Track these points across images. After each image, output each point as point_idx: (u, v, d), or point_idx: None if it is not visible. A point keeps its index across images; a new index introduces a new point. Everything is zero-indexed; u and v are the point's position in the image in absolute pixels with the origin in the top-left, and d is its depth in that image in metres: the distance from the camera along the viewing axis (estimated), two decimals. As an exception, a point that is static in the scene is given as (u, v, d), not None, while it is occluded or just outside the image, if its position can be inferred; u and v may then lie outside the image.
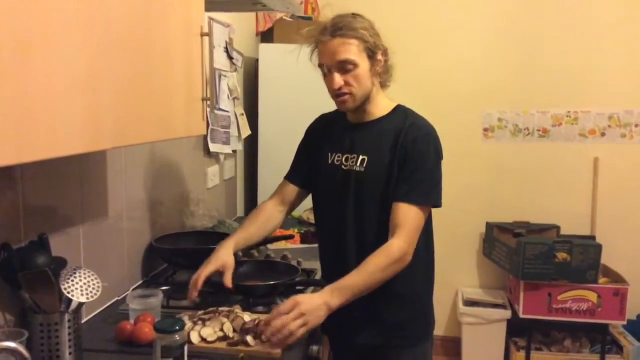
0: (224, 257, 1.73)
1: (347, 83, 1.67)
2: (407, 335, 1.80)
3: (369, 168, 1.72)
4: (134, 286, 2.01)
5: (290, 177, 1.95)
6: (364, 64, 1.66)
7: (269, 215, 1.90)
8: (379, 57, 1.70)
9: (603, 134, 3.60)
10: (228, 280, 1.70)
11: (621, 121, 3.57)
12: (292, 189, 1.93)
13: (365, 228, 1.75)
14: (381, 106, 1.77)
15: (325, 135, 1.87)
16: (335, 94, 1.70)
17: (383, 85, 1.78)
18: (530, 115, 3.66)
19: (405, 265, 1.62)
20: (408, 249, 1.62)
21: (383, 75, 1.75)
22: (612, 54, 3.53)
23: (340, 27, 1.64)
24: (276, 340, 1.47)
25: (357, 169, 1.74)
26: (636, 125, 3.56)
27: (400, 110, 1.79)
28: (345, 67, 1.65)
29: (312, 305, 1.50)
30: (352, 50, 1.64)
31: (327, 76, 1.70)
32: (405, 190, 1.66)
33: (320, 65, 1.71)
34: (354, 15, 1.70)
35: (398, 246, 1.61)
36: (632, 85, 3.54)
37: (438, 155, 1.72)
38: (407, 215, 1.64)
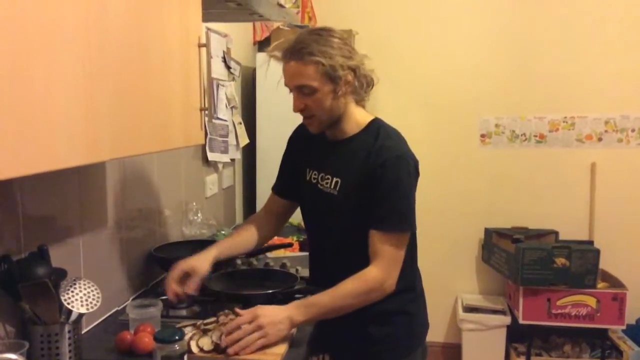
0: (195, 262, 1.70)
1: (307, 106, 1.62)
2: (393, 348, 1.73)
3: (342, 192, 1.67)
4: (134, 296, 2.01)
5: (275, 188, 1.94)
6: (324, 87, 1.58)
7: (259, 225, 1.89)
8: (348, 78, 1.59)
9: (600, 139, 3.61)
10: (190, 287, 1.67)
11: (618, 126, 3.59)
12: (277, 201, 1.92)
13: (343, 247, 1.71)
14: (355, 123, 1.69)
15: (304, 147, 1.83)
16: (302, 115, 1.67)
17: (359, 102, 1.69)
18: (527, 121, 3.68)
19: (384, 294, 1.59)
20: (385, 279, 1.58)
21: (356, 93, 1.65)
22: (608, 59, 3.55)
23: (298, 49, 1.56)
24: (232, 351, 1.47)
25: (331, 191, 1.69)
26: (632, 130, 3.57)
27: (373, 128, 1.69)
28: (303, 91, 1.60)
29: (273, 318, 1.50)
30: (308, 76, 1.56)
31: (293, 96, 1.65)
32: (379, 218, 1.59)
33: (285, 85, 1.66)
34: (320, 32, 1.60)
35: (374, 275, 1.58)
36: (628, 90, 3.55)
37: (411, 177, 1.62)
38: (384, 244, 1.59)
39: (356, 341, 1.73)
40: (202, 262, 1.71)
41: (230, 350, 1.47)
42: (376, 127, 1.69)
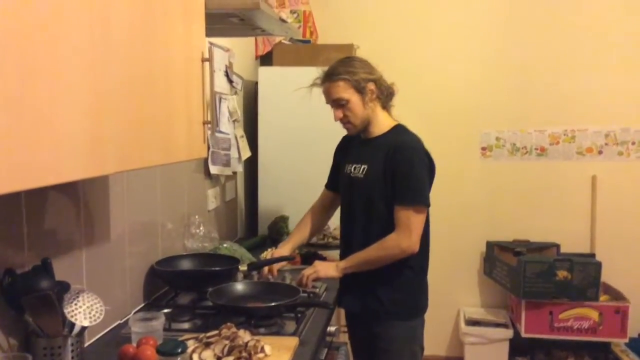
0: (281, 251, 2.27)
1: (345, 115, 2.09)
2: (399, 312, 2.13)
3: (367, 175, 2.13)
4: (136, 309, 2.01)
5: (327, 185, 2.42)
6: (354, 98, 2.07)
7: (315, 218, 2.39)
8: (370, 88, 2.07)
9: (600, 152, 3.62)
10: (274, 271, 2.23)
11: (618, 139, 3.60)
12: (327, 195, 2.40)
13: (367, 229, 2.13)
14: (382, 126, 2.16)
15: (345, 150, 2.32)
16: (341, 123, 2.13)
17: (384, 107, 2.16)
18: (528, 134, 3.69)
19: (404, 253, 2.03)
20: (402, 240, 2.02)
21: (380, 100, 2.13)
22: (609, 72, 3.57)
23: (329, 73, 2.08)
24: (296, 282, 2.14)
25: (359, 175, 2.15)
26: (633, 143, 3.58)
27: (397, 129, 2.17)
28: (339, 103, 2.08)
29: (324, 264, 2.17)
30: (339, 91, 2.06)
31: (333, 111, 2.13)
32: (398, 195, 2.05)
33: (327, 103, 2.14)
34: (344, 60, 2.12)
35: (393, 238, 2.04)
36: (628, 103, 3.57)
37: (422, 162, 2.08)
38: (401, 214, 2.04)
39: (369, 301, 2.15)
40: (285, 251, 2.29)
41: (295, 282, 2.14)
42: (398, 129, 2.17)
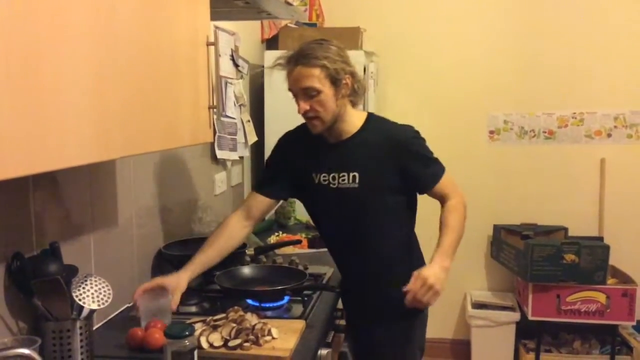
0: (174, 278, 1.76)
1: (312, 107, 1.79)
2: (397, 311, 1.90)
3: (363, 183, 1.87)
4: (144, 293, 2.03)
5: (260, 189, 2.01)
6: (327, 89, 1.77)
7: (232, 234, 1.95)
8: (345, 81, 1.80)
9: (609, 135, 3.60)
10: (175, 302, 1.71)
11: (627, 122, 3.57)
12: (261, 201, 1.99)
13: (364, 236, 1.93)
14: (353, 122, 1.90)
15: (301, 155, 1.97)
16: (305, 117, 1.83)
17: (354, 105, 1.90)
18: (536, 117, 3.66)
19: (466, 206, 1.93)
20: (462, 198, 1.93)
21: (352, 96, 1.86)
22: (617, 54, 3.53)
23: (304, 55, 1.76)
24: (410, 305, 1.74)
25: (350, 185, 1.88)
26: (642, 126, 3.55)
27: (374, 121, 1.94)
28: (309, 93, 1.77)
29: (435, 274, 1.73)
30: (313, 79, 1.76)
31: (296, 100, 1.83)
32: (429, 179, 1.90)
33: (289, 90, 1.83)
34: (321, 42, 1.80)
35: (458, 201, 1.91)
36: (637, 85, 3.53)
37: (424, 140, 1.93)
38: (444, 188, 1.91)
39: (377, 301, 1.99)
40: (179, 280, 1.76)
41: (410, 304, 1.74)
42: (375, 120, 1.95)
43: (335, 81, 1.77)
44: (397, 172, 1.87)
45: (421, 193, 1.96)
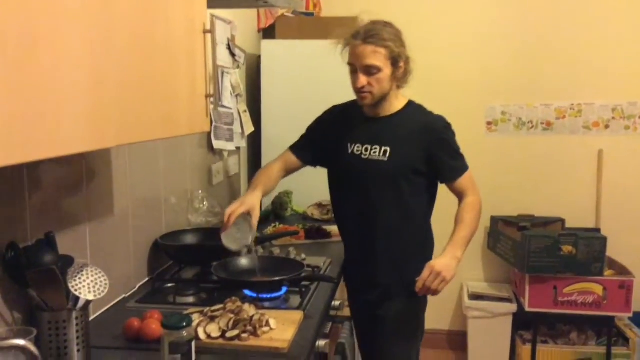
0: (252, 201, 1.95)
1: (369, 84, 1.94)
2: (399, 292, 2.08)
3: (392, 158, 2.01)
4: (141, 283, 2.02)
5: (296, 151, 2.20)
6: (387, 70, 1.93)
7: (276, 176, 2.18)
8: (401, 64, 1.96)
9: (607, 127, 3.59)
10: (255, 225, 1.92)
11: (625, 113, 3.56)
12: (294, 161, 2.20)
13: (386, 209, 2.05)
14: (395, 103, 2.06)
15: (341, 126, 2.13)
16: (358, 90, 1.97)
17: (400, 87, 2.05)
18: (534, 109, 3.65)
19: (482, 207, 2.05)
20: (479, 199, 2.05)
21: (402, 79, 2.02)
22: (616, 46, 3.52)
23: (373, 35, 1.90)
24: (421, 293, 1.91)
25: (379, 158, 2.02)
26: (640, 117, 3.55)
27: (413, 107, 2.10)
28: (370, 70, 1.92)
29: (444, 264, 1.88)
30: (379, 58, 1.90)
31: (353, 74, 1.97)
32: (452, 171, 2.05)
33: (349, 64, 1.97)
34: (386, 24, 1.96)
35: (475, 200, 2.04)
36: (635, 77, 3.53)
37: (454, 134, 2.09)
38: (465, 184, 2.04)
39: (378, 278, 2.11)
40: (256, 202, 1.98)
41: (420, 293, 1.91)
42: (414, 105, 2.11)
43: (395, 63, 1.94)
44: (424, 157, 2.01)
45: (443, 182, 2.09)
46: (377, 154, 2.03)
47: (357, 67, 1.94)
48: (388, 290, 2.10)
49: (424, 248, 2.15)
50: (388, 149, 2.02)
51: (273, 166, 2.19)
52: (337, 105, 2.21)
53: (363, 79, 1.93)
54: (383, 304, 2.11)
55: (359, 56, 1.92)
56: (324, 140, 2.17)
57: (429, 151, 2.01)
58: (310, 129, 2.23)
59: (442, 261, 1.89)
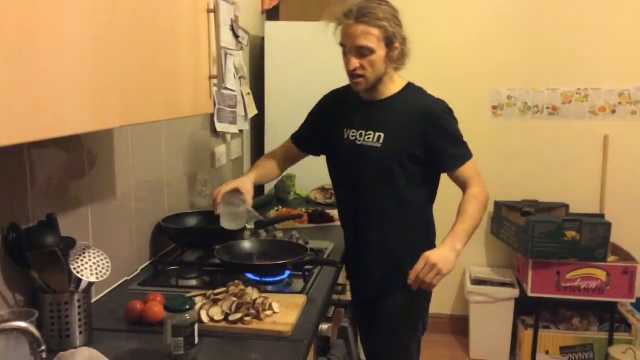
0: (241, 181, 1.95)
1: (362, 66, 1.82)
2: (396, 288, 1.95)
3: (385, 144, 1.90)
4: (143, 265, 2.01)
5: (295, 140, 2.16)
6: (380, 51, 1.80)
7: (276, 165, 2.14)
8: (396, 45, 1.83)
9: (613, 111, 3.55)
10: (249, 202, 1.91)
11: (632, 98, 3.52)
12: (294, 150, 2.16)
13: (379, 198, 1.95)
14: (392, 85, 1.93)
15: (338, 111, 2.04)
16: (350, 74, 1.86)
17: (396, 69, 1.93)
18: (540, 93, 3.62)
19: (488, 198, 1.90)
20: (484, 188, 1.90)
21: (398, 61, 1.88)
22: (623, 30, 3.47)
23: (365, 13, 1.76)
24: (414, 286, 1.75)
25: (373, 144, 1.91)
26: (647, 102, 3.51)
27: (412, 89, 1.97)
28: (362, 52, 1.79)
29: (441, 255, 1.73)
30: (371, 38, 1.77)
31: (345, 56, 1.85)
32: (453, 160, 1.90)
33: (341, 45, 1.84)
34: (381, 1, 1.80)
35: (479, 190, 1.88)
36: (643, 61, 3.48)
37: (456, 120, 1.94)
38: (467, 173, 1.90)
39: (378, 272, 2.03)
40: (246, 182, 1.96)
41: (414, 285, 1.75)
42: (412, 88, 1.97)
43: (389, 43, 1.80)
44: (422, 143, 1.89)
45: (443, 171, 1.96)
46: (370, 139, 1.93)
47: (349, 48, 1.82)
48: (383, 286, 2.01)
49: (422, 243, 1.97)
50: (382, 135, 1.91)
51: (274, 155, 2.17)
52: (335, 90, 2.12)
53: (354, 61, 1.81)
54: (380, 300, 2.02)
55: (350, 36, 1.79)
56: (323, 128, 2.07)
57: (427, 137, 1.88)
58: (309, 116, 2.16)
59: (439, 252, 1.74)
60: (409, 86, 1.98)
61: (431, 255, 1.72)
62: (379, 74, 1.86)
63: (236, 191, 1.91)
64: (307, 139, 2.14)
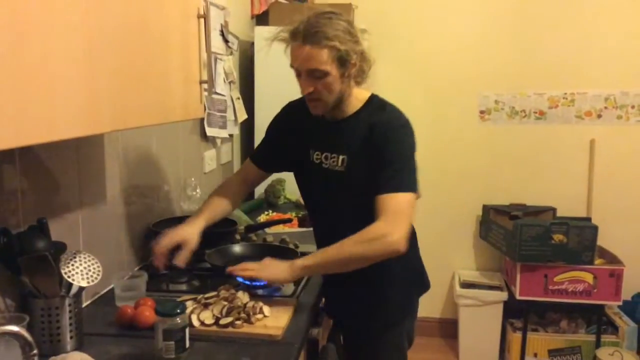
0: (186, 233, 1.74)
1: (316, 90, 1.64)
2: (382, 318, 1.84)
3: (349, 167, 1.72)
4: (134, 270, 2.01)
5: (255, 160, 1.98)
6: (334, 71, 1.61)
7: (235, 192, 1.95)
8: (352, 62, 1.63)
9: (599, 116, 3.60)
10: (181, 259, 1.71)
11: (617, 102, 3.57)
12: (255, 171, 1.98)
13: (353, 222, 1.64)
14: (355, 101, 1.74)
15: (301, 127, 1.84)
16: (306, 97, 1.68)
17: (358, 84, 1.73)
18: (527, 98, 3.65)
19: (390, 248, 1.55)
20: (389, 231, 1.54)
21: (357, 77, 1.70)
22: (608, 35, 3.52)
23: (313, 33, 1.57)
24: (228, 271, 1.68)
25: (338, 169, 1.74)
26: (632, 107, 3.56)
27: (374, 103, 1.75)
28: (315, 74, 1.61)
29: (274, 262, 1.68)
30: (322, 60, 1.58)
31: (298, 79, 1.68)
32: (384, 181, 1.61)
33: (292, 67, 1.67)
34: (330, 16, 1.60)
35: (377, 226, 1.56)
36: (628, 66, 3.53)
37: (412, 146, 1.69)
38: (388, 203, 1.58)
39: (351, 308, 1.86)
40: (192, 234, 1.75)
41: (228, 270, 1.67)
42: (375, 102, 1.76)
43: (343, 62, 1.61)
44: (375, 162, 1.66)
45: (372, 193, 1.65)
46: (335, 163, 1.74)
47: (299, 71, 1.65)
48: (359, 319, 1.86)
49: (401, 276, 1.80)
50: (345, 157, 1.72)
51: (229, 185, 1.98)
52: (293, 103, 1.92)
53: (307, 86, 1.63)
54: (357, 334, 1.89)
55: (298, 59, 1.61)
56: (287, 144, 1.89)
57: (372, 152, 1.66)
58: (268, 132, 1.97)
59: (276, 261, 1.68)
60: (372, 100, 1.76)
61: (269, 259, 1.70)
62: (338, 95, 1.67)
63: (178, 247, 1.72)
64: (271, 158, 1.95)
